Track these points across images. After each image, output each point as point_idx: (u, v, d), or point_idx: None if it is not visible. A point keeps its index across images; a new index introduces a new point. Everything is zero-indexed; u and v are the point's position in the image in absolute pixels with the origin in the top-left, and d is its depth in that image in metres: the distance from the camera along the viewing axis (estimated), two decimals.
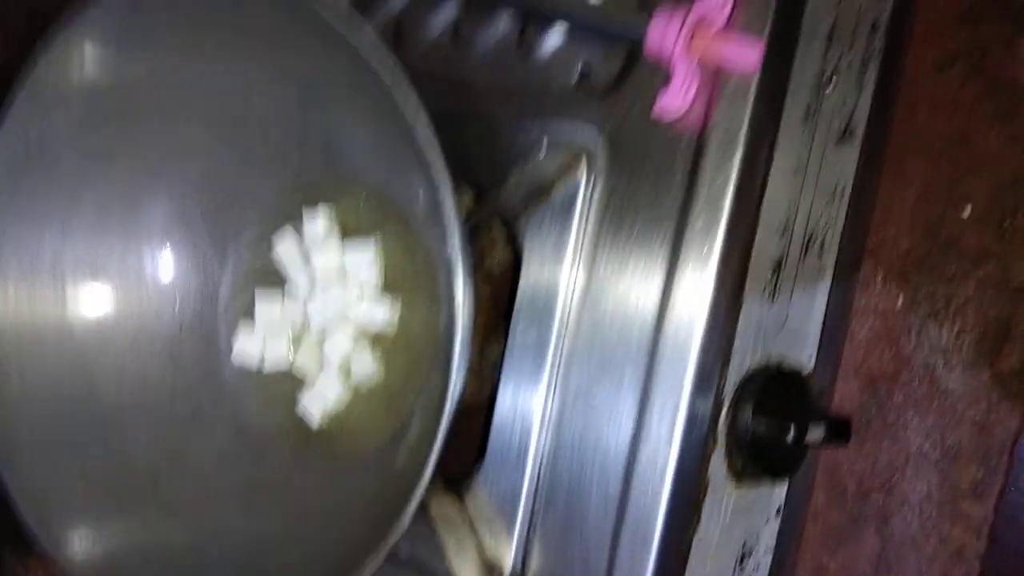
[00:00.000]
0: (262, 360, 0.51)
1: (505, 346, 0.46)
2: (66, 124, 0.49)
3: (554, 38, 0.46)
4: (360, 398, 0.49)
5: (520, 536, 0.44)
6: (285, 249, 0.50)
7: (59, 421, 0.50)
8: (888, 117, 0.49)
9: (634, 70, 0.43)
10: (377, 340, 0.48)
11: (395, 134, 0.37)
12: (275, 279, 0.51)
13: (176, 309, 0.53)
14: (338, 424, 0.49)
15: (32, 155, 0.49)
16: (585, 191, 0.43)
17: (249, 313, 0.51)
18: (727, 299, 0.41)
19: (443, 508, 0.46)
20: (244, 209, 0.52)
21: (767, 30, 0.39)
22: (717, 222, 0.40)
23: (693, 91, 0.40)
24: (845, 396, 0.51)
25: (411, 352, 0.47)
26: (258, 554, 0.47)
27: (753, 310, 0.42)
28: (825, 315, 0.47)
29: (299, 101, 0.47)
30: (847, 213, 0.46)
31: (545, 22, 0.46)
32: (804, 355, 0.46)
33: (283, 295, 0.51)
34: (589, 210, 0.43)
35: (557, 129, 0.45)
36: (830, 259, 0.46)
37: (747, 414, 0.42)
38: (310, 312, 0.49)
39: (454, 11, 0.50)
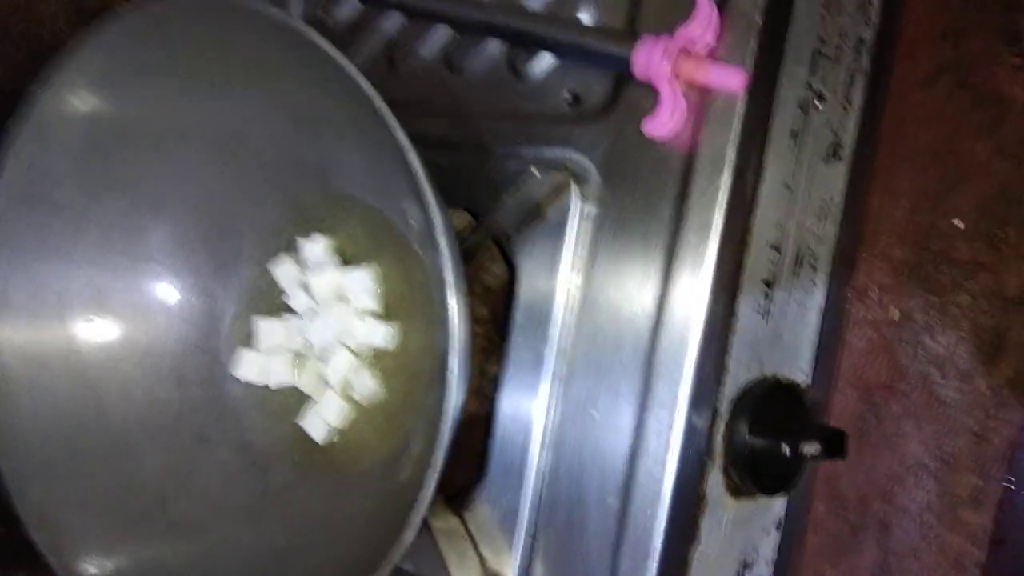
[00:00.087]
0: (265, 378, 0.51)
1: (503, 363, 0.46)
2: (67, 156, 0.49)
3: (544, 63, 0.47)
4: (362, 416, 0.49)
5: (521, 551, 0.44)
6: (284, 272, 0.51)
7: (68, 443, 0.50)
8: (876, 132, 0.49)
9: (623, 93, 0.44)
10: (377, 359, 0.49)
11: (388, 159, 0.38)
12: (277, 300, 0.52)
13: (180, 331, 0.54)
14: (341, 441, 0.50)
15: (34, 187, 0.50)
16: (578, 210, 0.44)
17: (252, 333, 0.52)
18: (721, 315, 0.41)
19: (444, 523, 0.46)
20: (244, 233, 0.53)
21: (751, 52, 0.40)
22: (708, 240, 0.40)
23: (680, 114, 0.41)
24: (842, 407, 0.51)
25: (411, 370, 0.48)
26: (263, 569, 0.47)
27: (747, 325, 0.43)
28: (819, 328, 0.47)
29: (294, 128, 0.48)
30: (838, 228, 0.47)
31: (535, 47, 0.47)
32: (799, 368, 0.47)
33: (284, 316, 0.51)
34: (582, 230, 0.44)
35: (549, 151, 0.46)
36: (822, 273, 0.47)
37: (743, 429, 0.43)
38: (311, 332, 0.50)
39: (445, 37, 0.51)
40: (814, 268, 0.46)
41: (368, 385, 0.48)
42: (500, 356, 0.46)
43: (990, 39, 0.48)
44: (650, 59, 0.40)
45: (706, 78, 0.40)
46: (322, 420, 0.49)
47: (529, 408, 0.45)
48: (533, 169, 0.43)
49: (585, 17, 0.46)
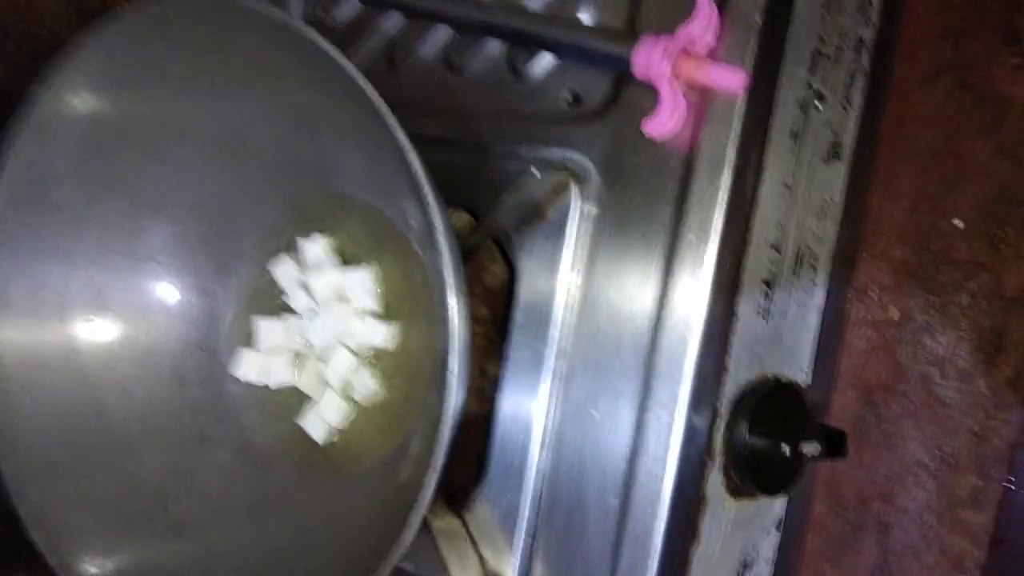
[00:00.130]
0: (265, 378, 0.51)
1: (503, 363, 0.46)
2: (67, 156, 0.49)
3: (544, 63, 0.47)
4: (362, 416, 0.49)
5: (521, 551, 0.44)
6: (284, 272, 0.51)
7: (67, 443, 0.50)
8: (876, 132, 0.49)
9: (623, 93, 0.44)
10: (377, 359, 0.49)
11: (388, 159, 0.38)
12: (277, 300, 0.52)
13: (180, 331, 0.54)
14: (341, 441, 0.50)
15: (34, 187, 0.50)
16: (578, 210, 0.44)
17: (252, 333, 0.52)
18: (720, 315, 0.41)
19: (445, 523, 0.46)
20: (244, 232, 0.53)
21: (751, 53, 0.40)
22: (708, 240, 0.40)
23: (680, 114, 0.41)
24: (843, 407, 0.51)
25: (411, 370, 0.48)
26: (264, 568, 0.47)
27: (747, 325, 0.43)
28: (819, 328, 0.47)
29: (294, 128, 0.48)
30: (838, 228, 0.47)
31: (535, 47, 0.47)
32: (799, 369, 0.47)
33: (284, 316, 0.51)
34: (582, 229, 0.44)
35: (549, 151, 0.46)
36: (822, 273, 0.47)
37: (743, 429, 0.43)
38: (311, 332, 0.50)
39: (445, 37, 0.51)
40: (814, 268, 0.46)
41: (368, 385, 0.48)
42: (500, 356, 0.46)
43: (990, 39, 0.48)
44: (650, 59, 0.40)
45: (706, 78, 0.40)
46: (322, 420, 0.49)
47: (529, 408, 0.45)
48: (533, 169, 0.43)
49: (585, 17, 0.46)
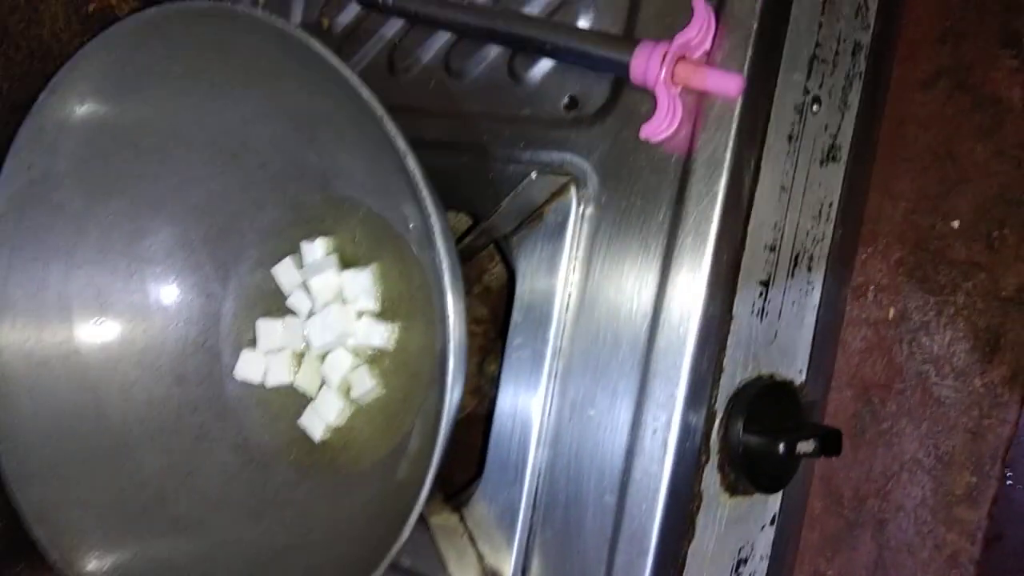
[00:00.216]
0: (265, 378, 0.52)
1: (502, 362, 0.47)
2: (69, 158, 0.50)
3: (543, 67, 0.47)
4: (361, 415, 0.50)
5: (519, 548, 0.45)
6: (284, 272, 0.51)
7: (67, 440, 0.51)
8: (874, 135, 0.49)
9: (621, 97, 0.44)
10: (376, 358, 0.49)
11: (387, 161, 0.39)
12: (276, 300, 0.52)
13: (180, 330, 0.54)
14: (340, 439, 0.50)
15: (36, 189, 0.50)
16: (576, 213, 0.44)
17: (252, 332, 0.52)
18: (717, 315, 0.42)
19: (443, 521, 0.47)
20: (244, 233, 0.53)
21: (748, 58, 0.40)
22: (705, 241, 0.41)
23: (678, 118, 0.41)
24: (839, 405, 0.51)
25: (410, 370, 0.48)
26: (263, 567, 0.47)
27: (743, 325, 0.43)
28: (815, 328, 0.48)
29: (295, 130, 0.48)
30: (835, 229, 0.47)
31: (534, 53, 0.47)
32: (795, 368, 0.47)
33: (284, 315, 0.52)
34: (580, 230, 0.44)
35: (547, 154, 0.46)
36: (819, 274, 0.47)
37: (739, 427, 0.43)
38: (310, 332, 0.50)
39: (445, 41, 0.51)
40: (810, 269, 0.46)
41: (367, 384, 0.49)
42: (499, 355, 0.47)
43: (989, 41, 0.48)
44: (648, 64, 0.40)
45: (703, 83, 0.40)
46: (321, 419, 0.50)
47: (527, 407, 0.45)
48: (532, 172, 0.43)
49: (584, 23, 0.46)
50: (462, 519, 0.47)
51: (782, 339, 0.46)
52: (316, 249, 0.50)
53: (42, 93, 0.48)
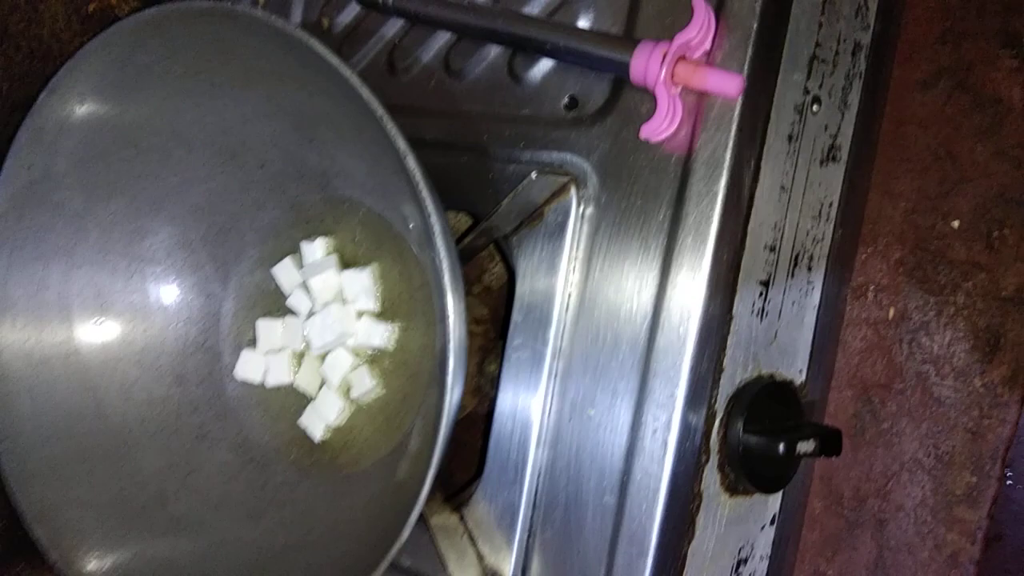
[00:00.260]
0: (265, 378, 0.52)
1: (502, 362, 0.47)
2: (69, 158, 0.50)
3: (543, 67, 0.47)
4: (361, 415, 0.50)
5: (519, 548, 0.45)
6: (284, 272, 0.51)
7: (67, 439, 0.51)
8: (874, 135, 0.49)
9: (621, 97, 0.44)
10: (376, 358, 0.49)
11: (386, 162, 0.39)
12: (276, 299, 0.52)
13: (180, 330, 0.54)
14: (340, 439, 0.50)
15: (36, 189, 0.50)
16: (576, 213, 0.44)
17: (252, 332, 0.52)
18: (717, 315, 0.42)
19: (443, 521, 0.47)
20: (244, 232, 0.53)
21: (748, 58, 0.40)
22: (705, 241, 0.41)
23: (678, 118, 0.41)
24: (839, 405, 0.51)
25: (410, 370, 0.48)
26: (263, 567, 0.47)
27: (743, 324, 0.43)
28: (815, 328, 0.48)
29: (295, 131, 0.48)
30: (835, 229, 0.47)
31: (535, 53, 0.47)
32: (795, 368, 0.47)
33: (284, 315, 0.52)
34: (580, 230, 0.44)
35: (547, 154, 0.46)
36: (819, 274, 0.47)
37: (738, 427, 0.43)
38: (310, 331, 0.50)
39: (445, 42, 0.51)
40: (810, 269, 0.46)
41: (367, 384, 0.49)
42: (499, 355, 0.47)
43: (989, 42, 0.48)
44: (647, 65, 0.40)
45: (703, 84, 0.40)
46: (321, 419, 0.50)
47: (528, 406, 0.45)
48: (532, 172, 0.43)
49: (584, 23, 0.46)
50: (462, 519, 0.47)
51: (782, 339, 0.46)
52: (316, 249, 0.50)
53: (42, 93, 0.48)
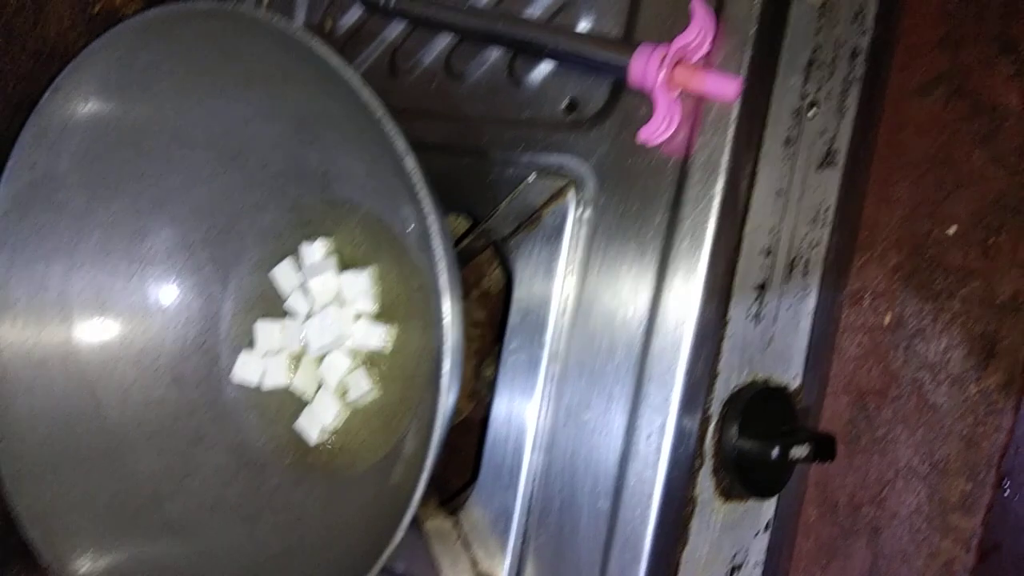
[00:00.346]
0: (262, 380, 0.52)
1: (499, 366, 0.46)
2: (72, 158, 0.50)
3: (542, 70, 0.47)
4: (357, 418, 0.50)
5: (513, 553, 0.45)
6: (283, 274, 0.51)
7: (64, 440, 0.51)
8: (871, 140, 0.50)
9: (620, 100, 0.44)
10: (373, 361, 0.49)
11: (386, 164, 0.39)
12: (275, 301, 0.52)
13: (179, 331, 0.54)
14: (336, 442, 0.50)
15: (38, 189, 0.50)
16: (574, 216, 0.44)
17: (250, 334, 0.52)
18: (713, 319, 0.42)
19: (437, 525, 0.47)
20: (244, 234, 0.53)
21: (746, 62, 0.40)
22: (701, 245, 0.41)
23: (675, 121, 0.41)
24: (834, 411, 0.51)
25: (407, 373, 0.48)
26: (257, 571, 0.47)
27: (739, 329, 0.43)
28: (811, 333, 0.48)
29: (296, 132, 0.49)
30: (831, 234, 0.47)
31: (535, 55, 0.47)
32: (790, 373, 0.47)
33: (282, 317, 0.52)
34: (578, 233, 0.44)
35: (546, 157, 0.46)
36: (815, 279, 0.47)
37: (733, 432, 0.43)
38: (308, 333, 0.50)
39: (446, 44, 0.51)
40: (806, 274, 0.46)
41: (364, 387, 0.49)
42: (497, 359, 0.47)
43: (987, 48, 0.48)
44: (646, 68, 0.41)
45: (701, 87, 0.40)
46: (317, 422, 0.49)
47: (523, 410, 0.45)
48: (531, 175, 0.43)
49: (584, 26, 0.46)
50: (456, 524, 0.47)
51: (777, 344, 0.46)
52: (316, 251, 0.50)
53: (45, 93, 0.48)
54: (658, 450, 0.41)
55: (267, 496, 0.51)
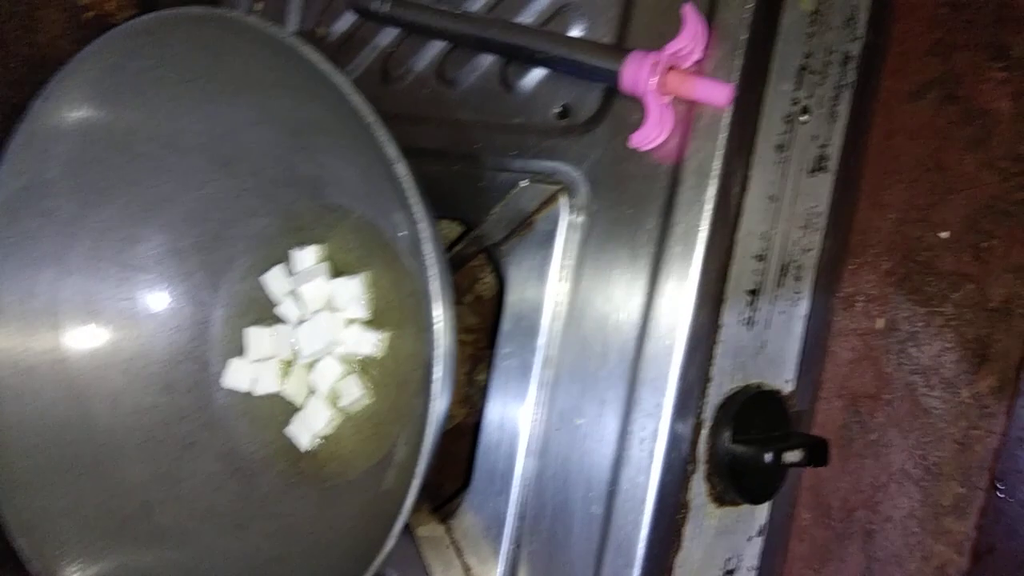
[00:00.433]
0: (253, 386, 0.51)
1: (491, 371, 0.46)
2: (61, 164, 0.49)
3: (535, 76, 0.47)
4: (349, 424, 0.50)
5: (506, 559, 0.45)
6: (274, 280, 0.51)
7: (53, 448, 0.50)
8: (863, 145, 0.50)
9: (612, 106, 0.44)
10: (365, 367, 0.49)
11: (378, 170, 0.39)
12: (266, 308, 0.52)
13: (169, 338, 0.54)
14: (327, 448, 0.50)
15: (28, 195, 0.50)
16: (566, 221, 0.44)
17: (241, 340, 0.52)
18: (705, 324, 0.42)
19: (429, 531, 0.47)
20: (235, 240, 0.53)
21: (737, 68, 0.40)
22: (693, 250, 0.41)
23: (667, 127, 0.41)
24: (828, 416, 0.51)
25: (398, 379, 0.48)
26: None
27: (731, 334, 0.43)
28: (804, 338, 0.48)
29: (287, 138, 0.48)
30: (824, 239, 0.47)
31: (527, 62, 0.47)
32: (783, 378, 0.47)
33: (274, 323, 0.52)
34: (570, 240, 0.44)
35: (538, 163, 0.46)
36: (807, 284, 0.47)
37: (726, 437, 0.43)
38: (299, 340, 0.50)
39: (439, 50, 0.51)
40: (799, 279, 0.46)
41: (355, 393, 0.48)
42: (488, 364, 0.47)
43: (978, 54, 0.48)
44: (638, 74, 0.41)
45: (692, 93, 0.40)
46: (308, 428, 0.49)
47: (516, 416, 0.45)
48: (523, 180, 0.43)
49: (576, 32, 0.46)
50: (449, 530, 0.47)
51: (770, 349, 0.46)
52: (307, 257, 0.50)
53: (35, 99, 0.48)
54: (651, 455, 0.41)
55: (258, 503, 0.50)
